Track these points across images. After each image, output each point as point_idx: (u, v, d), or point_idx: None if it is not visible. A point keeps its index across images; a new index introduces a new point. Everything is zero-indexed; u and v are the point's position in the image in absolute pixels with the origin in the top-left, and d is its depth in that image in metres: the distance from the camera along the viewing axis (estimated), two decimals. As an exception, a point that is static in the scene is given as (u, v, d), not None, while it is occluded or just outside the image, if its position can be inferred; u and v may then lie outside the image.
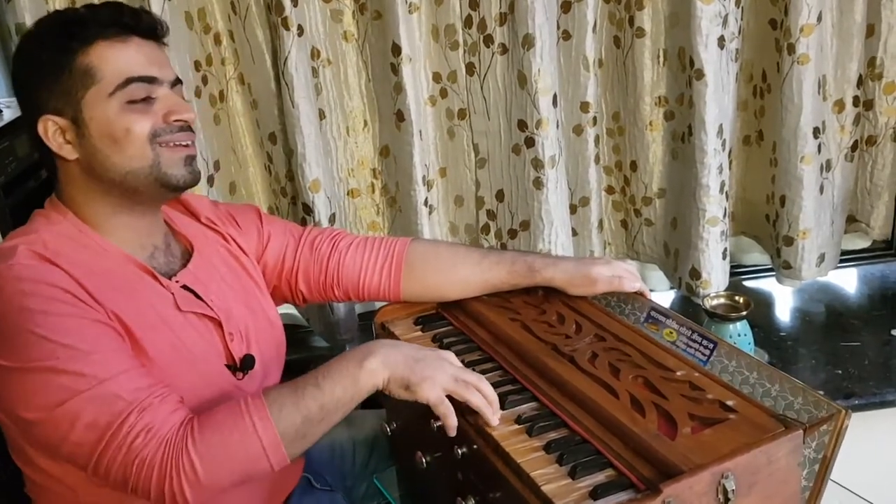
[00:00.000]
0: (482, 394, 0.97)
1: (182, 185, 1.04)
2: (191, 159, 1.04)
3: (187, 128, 1.03)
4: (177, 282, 1.06)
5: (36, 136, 1.00)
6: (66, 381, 0.87)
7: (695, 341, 1.06)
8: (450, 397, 0.96)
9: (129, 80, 0.99)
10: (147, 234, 1.07)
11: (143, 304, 1.00)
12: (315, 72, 1.68)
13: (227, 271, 1.15)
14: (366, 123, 1.78)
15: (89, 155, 1.00)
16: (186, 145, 1.03)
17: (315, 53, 1.67)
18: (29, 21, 1.53)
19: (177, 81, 1.05)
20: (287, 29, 1.57)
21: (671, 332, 1.10)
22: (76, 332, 0.90)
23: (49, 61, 0.98)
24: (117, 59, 0.99)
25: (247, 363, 1.10)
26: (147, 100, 1.00)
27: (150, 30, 1.03)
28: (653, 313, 1.14)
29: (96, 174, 1.01)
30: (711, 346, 1.04)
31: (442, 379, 0.95)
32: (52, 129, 0.99)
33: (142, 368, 0.93)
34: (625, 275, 1.20)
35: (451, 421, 0.96)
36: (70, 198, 1.03)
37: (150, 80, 1.00)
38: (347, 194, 1.82)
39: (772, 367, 0.98)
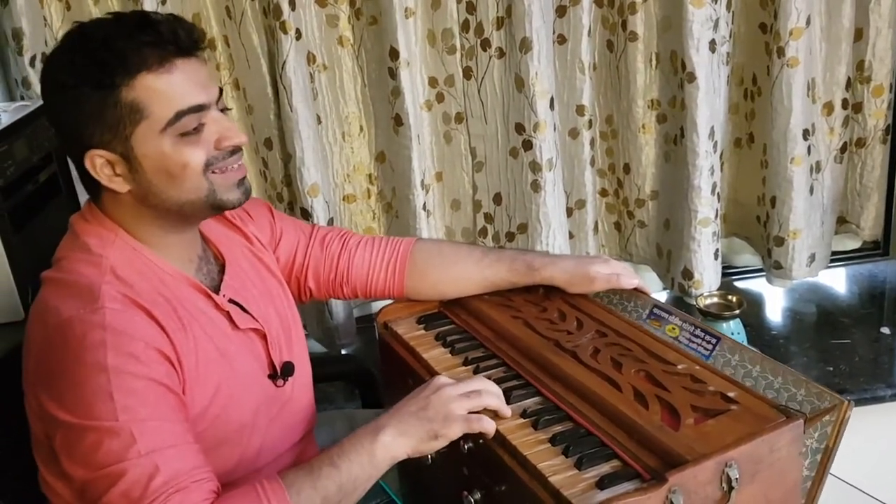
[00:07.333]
0: (486, 395, 0.97)
1: (236, 206, 1.03)
2: (242, 180, 1.03)
3: (238, 150, 1.01)
4: (224, 296, 1.06)
5: (81, 167, 0.97)
6: (116, 445, 0.87)
7: (697, 336, 1.08)
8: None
9: (180, 114, 0.94)
10: (191, 246, 1.07)
11: (202, 339, 1.00)
12: (311, 77, 1.69)
13: (255, 276, 1.15)
14: (361, 129, 1.79)
15: (143, 188, 0.97)
16: (238, 167, 1.02)
17: (311, 58, 1.69)
18: (26, 26, 1.53)
19: (220, 94, 1.01)
20: (285, 33, 1.58)
21: (674, 328, 1.11)
22: (141, 394, 0.89)
23: (90, 97, 0.93)
24: (164, 92, 0.94)
25: (287, 370, 1.12)
26: (198, 128, 0.96)
27: (190, 46, 0.96)
28: (655, 310, 1.16)
29: (149, 203, 0.99)
30: (714, 340, 1.06)
31: (457, 410, 0.95)
32: (99, 164, 0.96)
33: (191, 445, 0.91)
34: (623, 272, 1.22)
35: (488, 427, 0.96)
36: (117, 218, 1.01)
37: (200, 108, 0.96)
38: (343, 199, 1.83)
39: (774, 361, 1.00)
